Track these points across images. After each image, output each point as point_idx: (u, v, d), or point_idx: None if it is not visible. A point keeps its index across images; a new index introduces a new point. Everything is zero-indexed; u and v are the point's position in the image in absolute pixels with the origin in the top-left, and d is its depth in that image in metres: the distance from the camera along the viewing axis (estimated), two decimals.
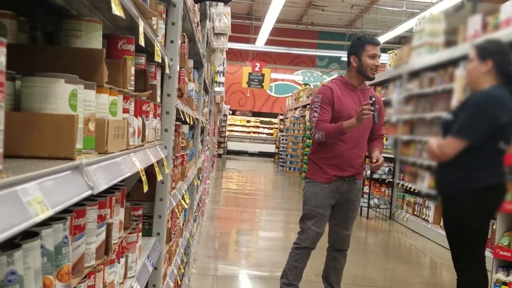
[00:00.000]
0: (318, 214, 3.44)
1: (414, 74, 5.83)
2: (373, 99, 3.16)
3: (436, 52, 5.03)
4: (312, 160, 3.53)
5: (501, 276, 4.03)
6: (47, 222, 0.96)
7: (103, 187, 1.07)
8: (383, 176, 8.48)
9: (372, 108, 3.11)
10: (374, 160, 3.40)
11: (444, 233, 6.06)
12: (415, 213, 7.49)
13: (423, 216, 7.19)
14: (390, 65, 9.03)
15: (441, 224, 6.50)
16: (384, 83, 9.21)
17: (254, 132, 23.13)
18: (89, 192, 0.97)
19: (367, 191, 8.39)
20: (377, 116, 3.19)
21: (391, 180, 8.40)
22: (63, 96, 1.04)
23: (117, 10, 1.11)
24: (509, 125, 2.84)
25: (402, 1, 15.07)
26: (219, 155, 20.11)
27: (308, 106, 13.82)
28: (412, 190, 7.68)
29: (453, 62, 4.78)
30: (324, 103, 3.39)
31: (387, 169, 8.37)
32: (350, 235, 3.61)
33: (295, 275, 3.55)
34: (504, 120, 2.80)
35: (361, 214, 8.38)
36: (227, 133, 22.27)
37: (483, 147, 2.84)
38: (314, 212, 3.44)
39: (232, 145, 22.55)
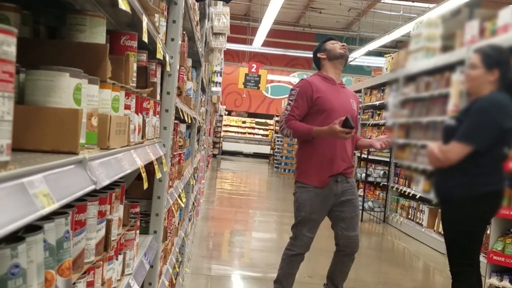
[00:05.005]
0: (313, 221, 3.36)
1: (411, 78, 5.85)
2: (352, 127, 3.13)
3: (433, 56, 5.05)
4: (302, 161, 3.41)
5: (494, 281, 4.04)
6: (49, 216, 0.95)
7: (106, 182, 1.06)
8: (378, 180, 8.49)
9: (349, 135, 3.14)
10: (379, 144, 3.40)
11: (437, 237, 6.09)
12: (409, 216, 7.50)
13: (417, 220, 7.21)
14: (387, 68, 9.06)
15: (435, 228, 6.52)
16: (380, 87, 9.24)
17: (249, 133, 23.11)
18: (92, 187, 0.97)
19: (362, 194, 8.40)
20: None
21: (386, 183, 8.42)
22: (68, 90, 1.03)
23: (123, 5, 1.11)
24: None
25: (399, 6, 15.11)
26: (214, 156, 20.08)
27: None
28: (406, 193, 7.70)
29: (450, 67, 4.80)
30: (300, 97, 3.33)
31: (382, 172, 8.39)
32: (359, 235, 3.48)
33: (291, 282, 3.51)
34: (509, 126, 2.81)
35: None
36: (222, 134, 22.24)
37: (487, 152, 2.83)
38: (309, 219, 3.35)
39: (227, 146, 22.52)
